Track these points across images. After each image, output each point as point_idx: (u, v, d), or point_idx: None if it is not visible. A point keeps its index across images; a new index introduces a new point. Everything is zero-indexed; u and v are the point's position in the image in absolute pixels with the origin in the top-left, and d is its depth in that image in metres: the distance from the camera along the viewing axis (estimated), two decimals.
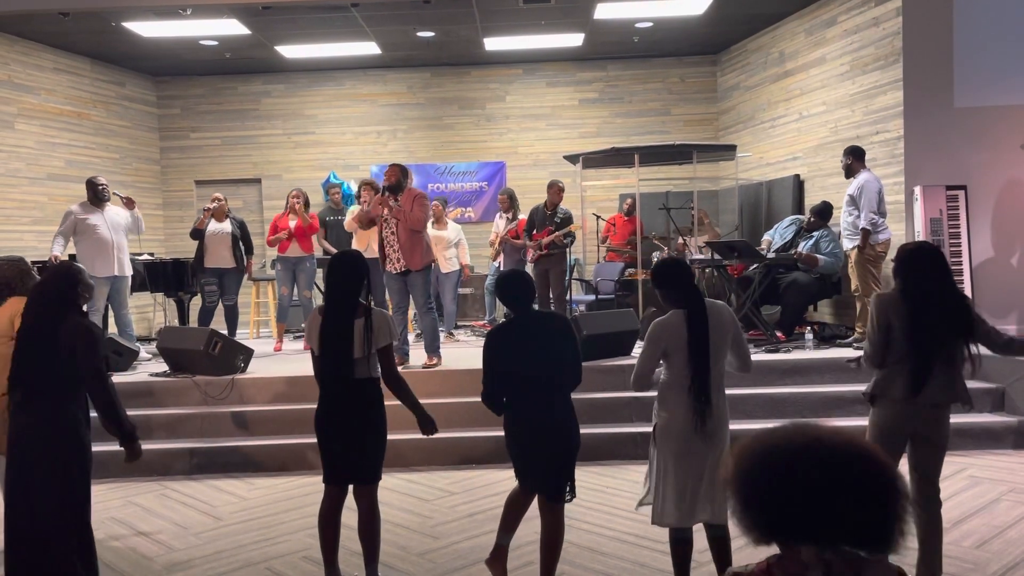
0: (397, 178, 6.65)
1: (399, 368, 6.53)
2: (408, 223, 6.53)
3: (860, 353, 3.71)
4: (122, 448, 3.52)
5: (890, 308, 3.42)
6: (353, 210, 8.15)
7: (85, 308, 3.66)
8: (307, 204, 8.13)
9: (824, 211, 7.70)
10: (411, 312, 7.15)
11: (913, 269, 3.42)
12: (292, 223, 7.99)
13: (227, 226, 8.09)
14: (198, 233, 8.02)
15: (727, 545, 3.35)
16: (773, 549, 1.43)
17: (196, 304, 8.64)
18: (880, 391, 3.48)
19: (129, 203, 7.59)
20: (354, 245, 8.26)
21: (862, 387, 3.69)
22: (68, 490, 3.31)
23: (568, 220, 8.04)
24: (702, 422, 3.24)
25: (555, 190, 8.23)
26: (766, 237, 8.10)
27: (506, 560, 3.66)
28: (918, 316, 3.36)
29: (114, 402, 3.42)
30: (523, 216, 8.56)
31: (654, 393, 3.47)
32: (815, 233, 7.61)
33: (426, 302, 6.71)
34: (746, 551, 1.49)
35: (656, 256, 8.92)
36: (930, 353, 3.36)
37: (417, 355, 6.96)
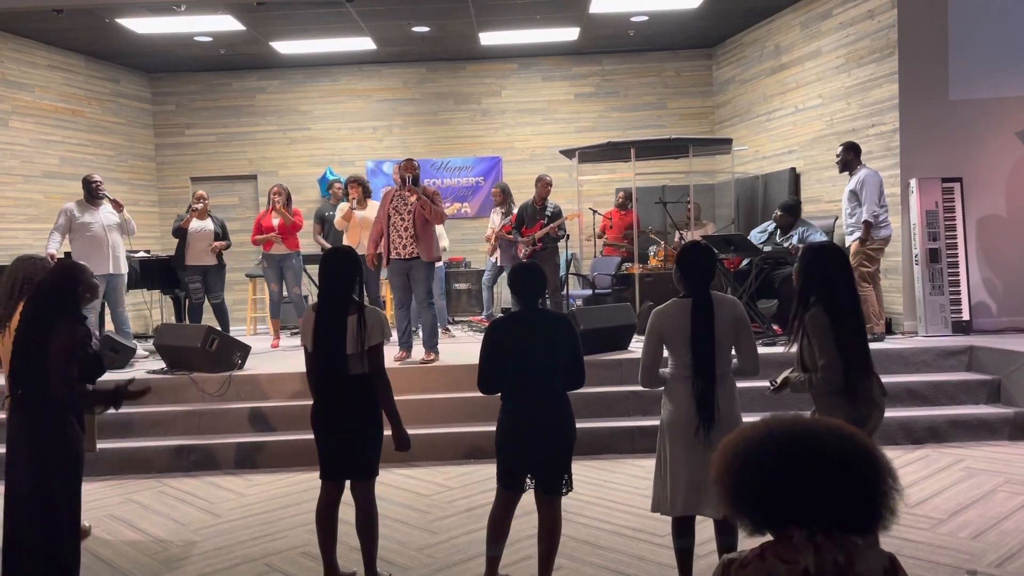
0: (419, 171, 6.82)
1: (402, 361, 6.63)
2: (430, 215, 6.62)
3: (787, 375, 3.44)
4: (124, 396, 3.50)
5: (831, 323, 3.23)
6: (343, 207, 8.11)
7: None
8: (289, 199, 8.05)
9: (794, 206, 7.81)
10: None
11: (835, 275, 3.28)
12: (275, 221, 7.97)
13: (209, 224, 8.05)
14: (181, 232, 7.98)
15: (735, 543, 3.34)
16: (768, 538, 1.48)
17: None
18: (850, 412, 3.19)
19: (117, 205, 7.57)
20: (345, 241, 8.25)
21: None
22: (55, 491, 3.28)
23: (558, 214, 8.06)
24: (705, 414, 3.23)
25: (543, 184, 8.24)
26: None
27: (497, 570, 3.62)
28: (855, 327, 3.25)
29: (84, 403, 3.41)
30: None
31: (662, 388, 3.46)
32: (795, 231, 7.62)
33: (427, 296, 6.74)
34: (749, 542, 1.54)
35: (652, 250, 8.94)
36: (866, 354, 3.29)
37: (421, 350, 6.99)
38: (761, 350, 6.54)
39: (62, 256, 7.39)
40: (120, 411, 6.10)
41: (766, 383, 3.57)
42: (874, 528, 1.43)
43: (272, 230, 7.94)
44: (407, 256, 6.65)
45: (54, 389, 3.27)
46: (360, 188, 8.03)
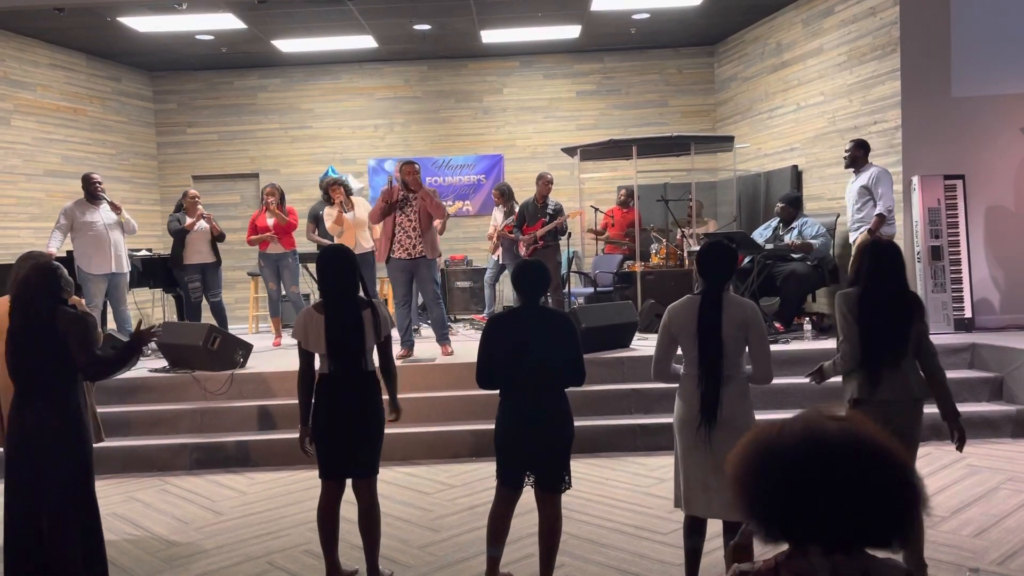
0: (419, 173, 6.87)
1: (404, 360, 6.64)
2: (432, 207, 6.67)
3: (822, 362, 3.63)
4: (142, 339, 3.48)
5: (855, 304, 3.39)
6: (331, 212, 8.06)
7: (81, 304, 3.66)
8: (283, 199, 8.07)
9: (797, 200, 7.97)
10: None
11: (872, 261, 3.39)
12: (270, 221, 7.97)
13: (203, 223, 8.06)
14: (182, 233, 7.97)
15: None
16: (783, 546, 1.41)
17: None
18: (866, 395, 3.35)
19: (115, 208, 7.56)
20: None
21: None
22: (70, 482, 3.31)
23: (560, 212, 8.08)
24: (707, 413, 3.21)
25: (544, 182, 8.25)
26: None
27: (498, 570, 3.62)
28: (877, 308, 3.34)
29: (115, 368, 3.44)
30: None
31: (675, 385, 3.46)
32: (795, 224, 7.73)
33: (435, 293, 6.83)
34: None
35: (654, 248, 8.93)
36: (885, 348, 3.32)
37: (420, 348, 7.00)
38: None
39: (62, 255, 7.42)
40: (122, 409, 6.16)
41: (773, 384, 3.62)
42: (898, 545, 1.35)
43: (267, 230, 7.95)
44: (416, 255, 6.70)
45: (85, 369, 3.34)
46: (342, 189, 8.01)
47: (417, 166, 6.87)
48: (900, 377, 3.36)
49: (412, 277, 6.78)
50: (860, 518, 1.32)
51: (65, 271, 3.51)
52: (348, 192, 8.12)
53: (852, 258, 3.57)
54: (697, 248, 8.24)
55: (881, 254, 3.42)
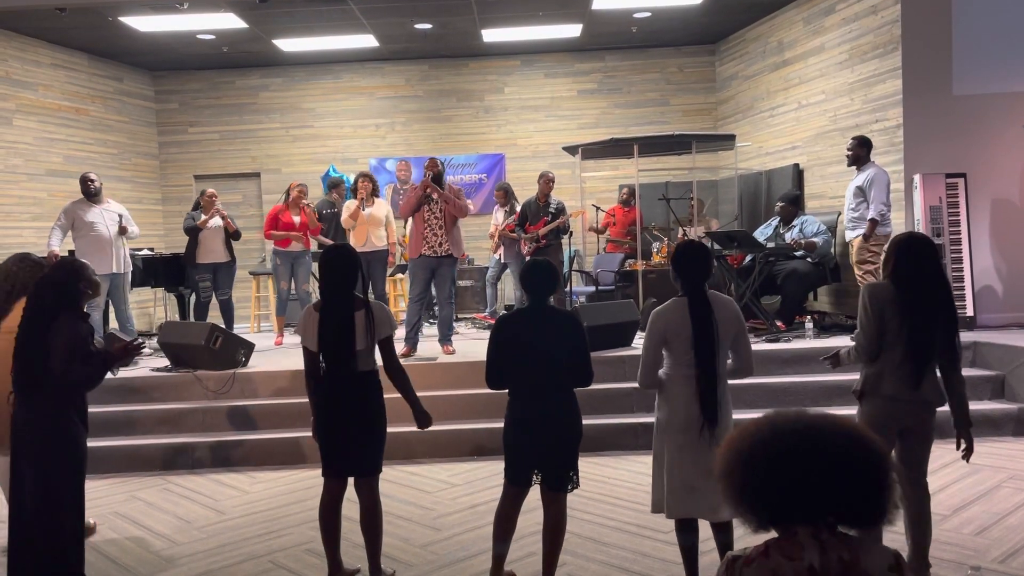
0: (440, 168, 6.91)
1: (405, 358, 6.65)
2: (454, 209, 6.72)
3: (840, 347, 3.65)
4: (115, 359, 3.45)
5: (884, 298, 3.33)
6: (350, 205, 8.05)
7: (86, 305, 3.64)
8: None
9: (797, 198, 8.11)
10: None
11: (908, 259, 3.32)
12: (296, 219, 7.97)
13: (218, 220, 8.08)
14: (196, 231, 8.00)
15: (731, 540, 3.34)
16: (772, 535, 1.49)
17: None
18: (870, 387, 3.38)
19: (122, 230, 7.57)
20: (351, 240, 8.19)
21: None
22: (57, 486, 3.30)
23: (562, 211, 8.08)
24: (708, 413, 3.20)
25: (545, 181, 8.25)
26: None
27: (503, 567, 3.62)
28: (917, 308, 3.27)
29: (82, 387, 3.40)
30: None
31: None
32: (795, 222, 7.78)
33: (450, 292, 6.94)
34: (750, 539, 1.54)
35: (656, 247, 8.93)
36: (929, 348, 3.28)
37: (421, 347, 7.02)
38: (765, 347, 6.59)
39: (64, 254, 7.42)
40: (123, 408, 6.17)
41: (753, 377, 3.62)
42: (878, 523, 1.44)
43: (293, 227, 7.97)
44: (441, 253, 6.73)
45: (56, 383, 3.29)
46: (371, 184, 7.96)
47: (438, 161, 6.90)
48: (931, 378, 3.35)
49: (433, 275, 6.80)
50: (841, 497, 1.41)
51: (91, 272, 3.47)
52: (374, 191, 8.06)
53: (885, 252, 3.50)
54: None
55: (912, 251, 3.32)
